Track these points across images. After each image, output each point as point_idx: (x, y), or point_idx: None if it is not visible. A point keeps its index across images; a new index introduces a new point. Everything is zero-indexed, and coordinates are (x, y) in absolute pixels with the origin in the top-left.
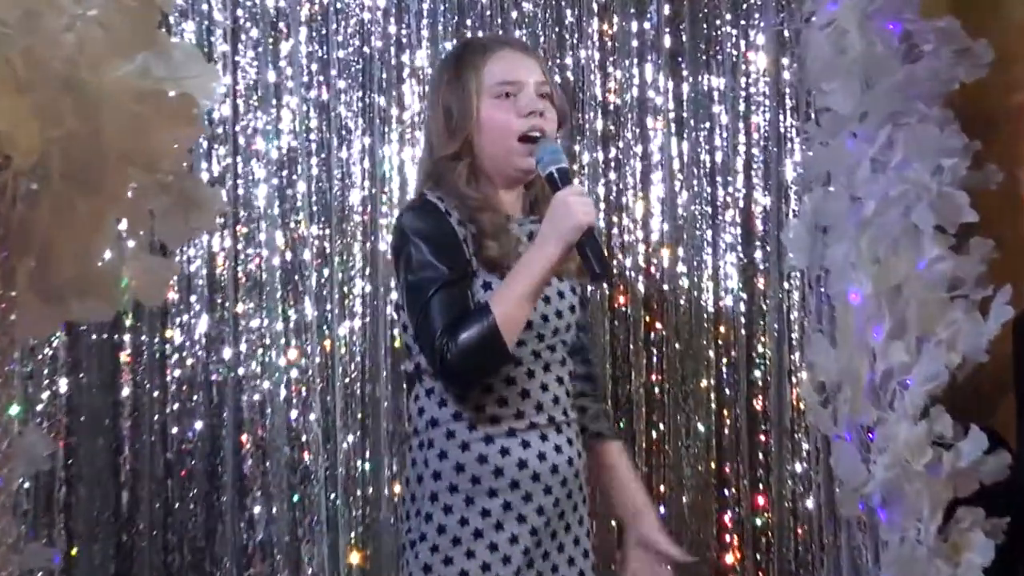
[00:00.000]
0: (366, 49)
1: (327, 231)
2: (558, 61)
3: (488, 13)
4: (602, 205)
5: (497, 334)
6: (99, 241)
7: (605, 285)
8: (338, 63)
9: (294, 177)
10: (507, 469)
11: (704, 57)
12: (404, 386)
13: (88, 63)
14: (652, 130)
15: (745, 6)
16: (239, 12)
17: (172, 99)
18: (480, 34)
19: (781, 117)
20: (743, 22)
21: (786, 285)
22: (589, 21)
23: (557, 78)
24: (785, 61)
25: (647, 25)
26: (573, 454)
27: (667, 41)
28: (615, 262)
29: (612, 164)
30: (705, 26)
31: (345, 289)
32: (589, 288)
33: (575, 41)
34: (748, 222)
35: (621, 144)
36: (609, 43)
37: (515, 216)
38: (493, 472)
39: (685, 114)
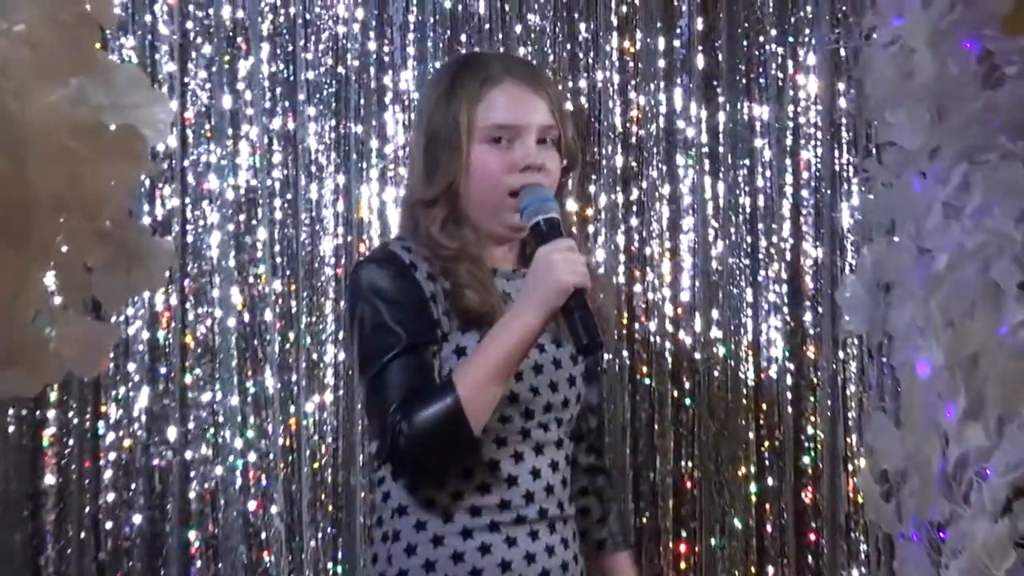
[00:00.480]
0: (340, 69)
1: (293, 287)
2: (570, 84)
3: (487, 27)
4: (621, 257)
5: (460, 415)
6: (24, 301)
7: (625, 353)
8: (307, 86)
9: (253, 222)
10: (487, 571)
11: (744, 80)
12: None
13: (12, 89)
14: (682, 167)
15: (793, 19)
16: (188, 24)
17: (113, 132)
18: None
19: (835, 152)
20: (791, 39)
21: (841, 354)
22: (607, 37)
23: (569, 105)
24: (841, 86)
25: (676, 42)
26: (568, 558)
27: (700, 61)
28: (637, 325)
29: (634, 208)
30: (745, 43)
31: (315, 356)
32: (605, 357)
33: (590, 60)
34: (796, 278)
35: (644, 184)
36: (631, 63)
37: (501, 269)
38: (470, 574)
39: (721, 148)
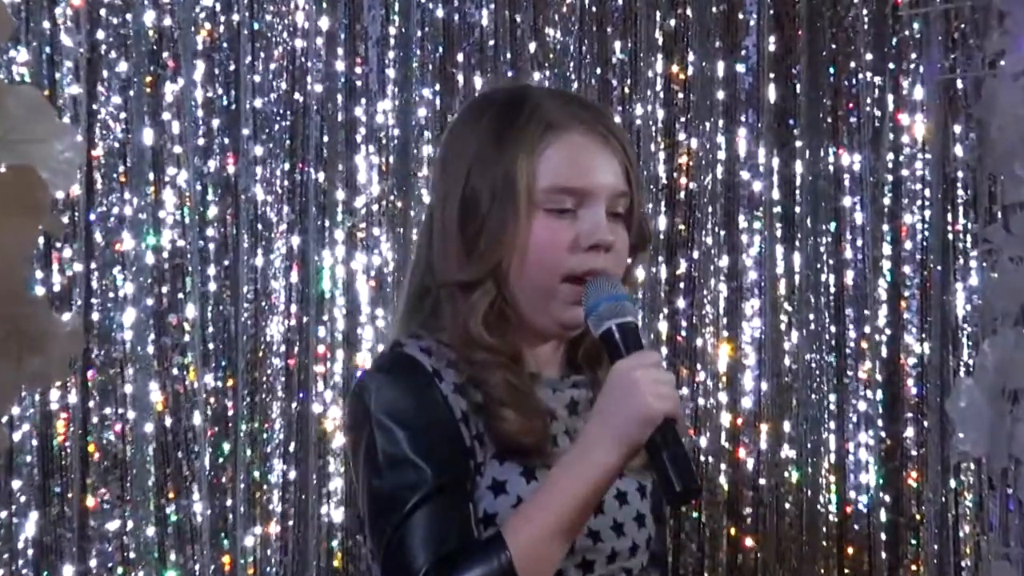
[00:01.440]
0: (298, 96)
1: (230, 383)
2: None
3: (491, 43)
4: (664, 350)
5: None
6: None
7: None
8: (253, 117)
9: (180, 296)
10: None
11: (829, 119)
12: None
13: None
14: (745, 232)
15: (895, 41)
16: (99, 34)
17: (3, 176)
18: (479, 77)
19: (948, 216)
20: (891, 66)
21: (952, 483)
22: (649, 59)
23: None
24: (956, 129)
25: (740, 67)
26: None
27: (771, 93)
28: (685, 440)
29: (681, 285)
30: (832, 71)
31: (256, 475)
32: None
33: (626, 90)
34: (894, 382)
35: (696, 254)
36: (680, 94)
37: (546, 374)
38: None
39: (798, 208)
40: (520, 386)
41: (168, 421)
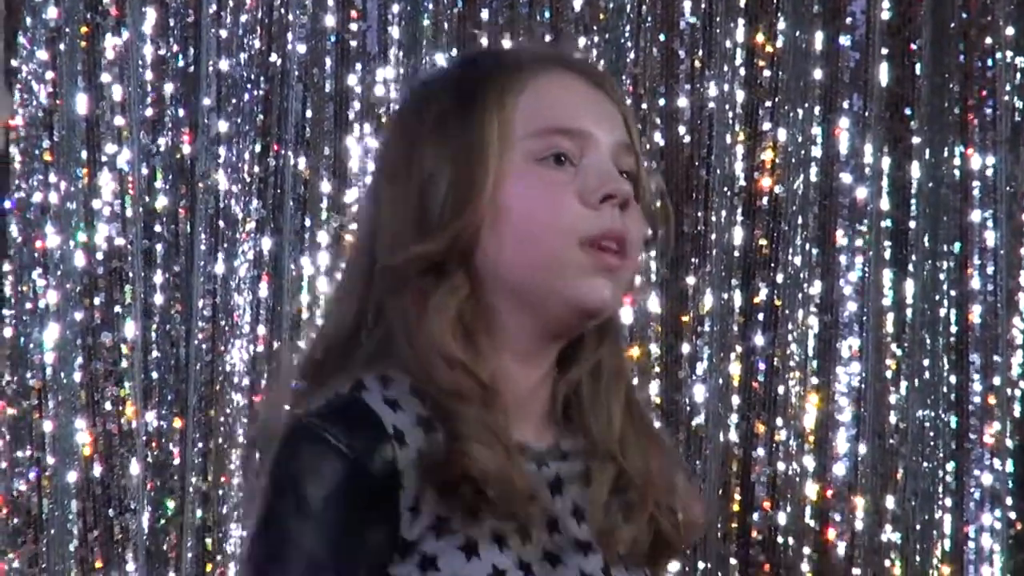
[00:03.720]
0: (275, 58)
1: (178, 423)
2: (660, 103)
3: (525, 11)
4: (735, 399)
5: None
6: None
7: (733, 562)
8: (217, 83)
9: (117, 309)
10: None
11: (957, 110)
12: None
13: None
14: (844, 252)
15: None
16: None
17: None
18: (508, 40)
19: None
20: None
21: None
22: (727, 26)
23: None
24: None
25: (844, 40)
26: None
27: (883, 74)
28: (755, 515)
29: (759, 317)
30: (962, 48)
31: (208, 542)
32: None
33: (695, 64)
34: None
35: (780, 277)
36: (765, 71)
37: (531, 443)
38: None
39: (914, 223)
40: (497, 431)
41: (97, 470)
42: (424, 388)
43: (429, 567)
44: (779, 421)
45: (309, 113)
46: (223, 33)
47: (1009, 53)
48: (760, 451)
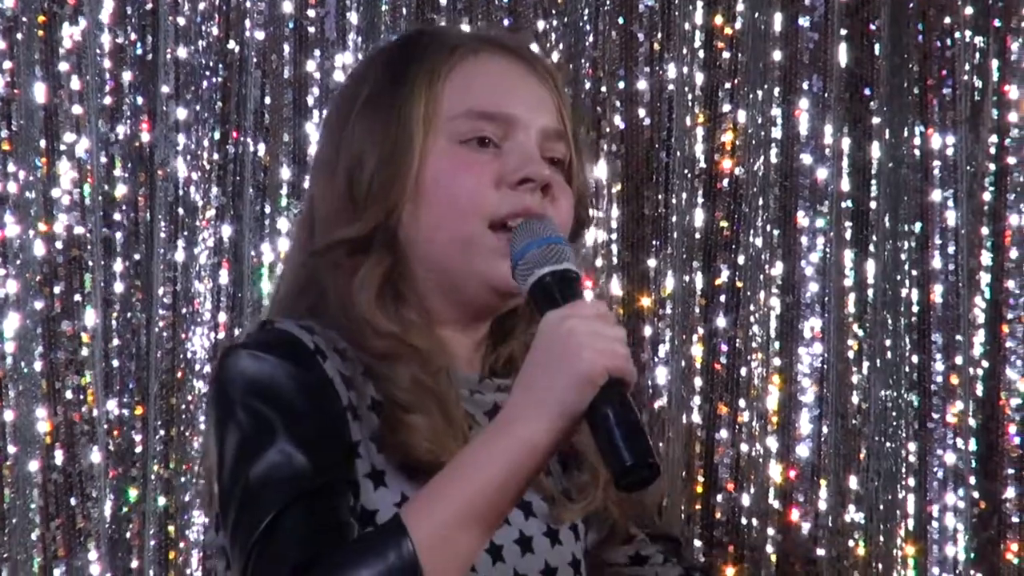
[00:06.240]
0: (233, 44)
1: (139, 410)
2: (620, 86)
3: None
4: (697, 381)
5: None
6: None
7: (698, 544)
8: (176, 70)
9: (76, 298)
10: None
11: (916, 90)
12: None
13: None
14: (806, 233)
15: None
16: None
17: None
18: (467, 24)
19: None
20: (997, 22)
21: None
22: (686, 8)
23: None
24: None
25: (804, 20)
26: None
27: (842, 54)
28: (718, 496)
29: (721, 299)
30: (921, 27)
31: (171, 529)
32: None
33: (654, 46)
34: (992, 427)
35: (741, 259)
36: (725, 54)
37: (464, 373)
38: None
39: (874, 204)
40: (433, 387)
41: (59, 458)
42: (354, 351)
43: (379, 482)
44: (742, 403)
45: (268, 100)
46: (181, 21)
47: (968, 32)
48: (723, 433)
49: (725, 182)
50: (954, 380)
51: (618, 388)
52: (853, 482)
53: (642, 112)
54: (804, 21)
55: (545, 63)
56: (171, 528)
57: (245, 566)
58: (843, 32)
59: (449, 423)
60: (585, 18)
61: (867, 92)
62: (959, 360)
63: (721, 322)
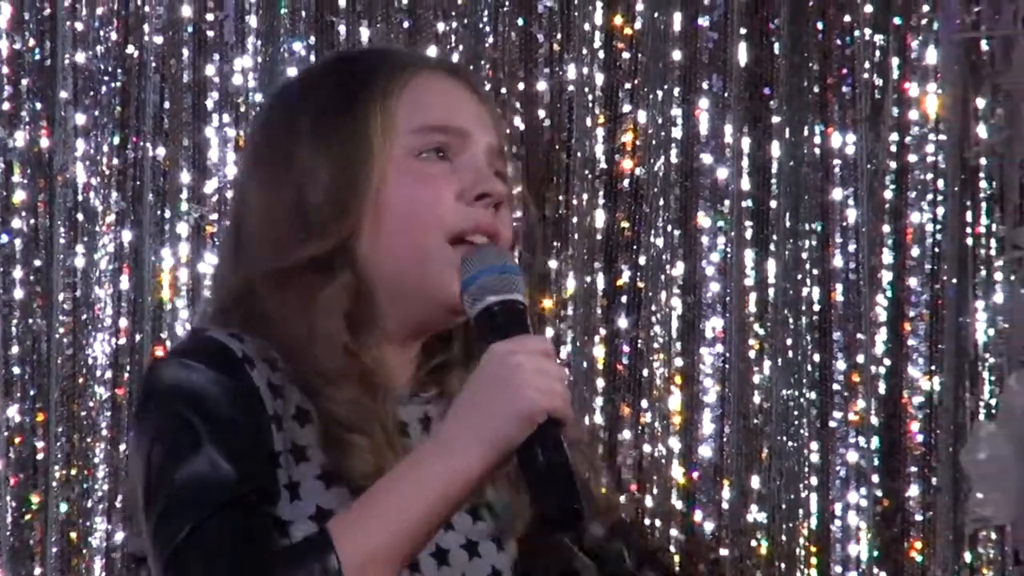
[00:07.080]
0: (132, 49)
1: (40, 417)
2: (520, 87)
3: None
4: (600, 382)
5: None
6: None
7: None
8: (74, 76)
9: None
10: None
11: (816, 89)
12: None
13: None
14: (707, 234)
15: None
16: None
17: None
18: (366, 28)
19: (967, 214)
20: (897, 20)
21: (967, 556)
22: (586, 8)
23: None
24: (980, 103)
25: (703, 20)
26: None
27: (742, 53)
28: (622, 497)
29: (622, 300)
30: (821, 27)
31: (73, 535)
32: None
33: (554, 47)
34: (894, 426)
35: (643, 259)
36: (624, 54)
37: (395, 387)
38: None
39: (775, 203)
40: (375, 407)
41: None
42: (290, 366)
43: (294, 495)
44: (644, 403)
45: (167, 104)
46: (79, 26)
47: (868, 31)
48: (626, 434)
49: (626, 183)
50: (856, 378)
51: (554, 429)
52: (755, 482)
53: (542, 113)
54: (703, 20)
55: (484, 86)
56: (73, 535)
57: (164, 573)
58: (743, 31)
59: (388, 441)
60: (485, 19)
61: (767, 91)
62: (861, 358)
63: (623, 323)
